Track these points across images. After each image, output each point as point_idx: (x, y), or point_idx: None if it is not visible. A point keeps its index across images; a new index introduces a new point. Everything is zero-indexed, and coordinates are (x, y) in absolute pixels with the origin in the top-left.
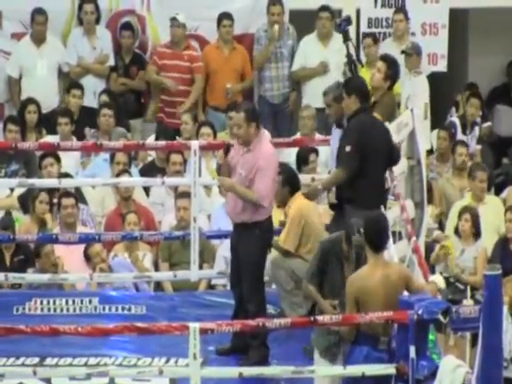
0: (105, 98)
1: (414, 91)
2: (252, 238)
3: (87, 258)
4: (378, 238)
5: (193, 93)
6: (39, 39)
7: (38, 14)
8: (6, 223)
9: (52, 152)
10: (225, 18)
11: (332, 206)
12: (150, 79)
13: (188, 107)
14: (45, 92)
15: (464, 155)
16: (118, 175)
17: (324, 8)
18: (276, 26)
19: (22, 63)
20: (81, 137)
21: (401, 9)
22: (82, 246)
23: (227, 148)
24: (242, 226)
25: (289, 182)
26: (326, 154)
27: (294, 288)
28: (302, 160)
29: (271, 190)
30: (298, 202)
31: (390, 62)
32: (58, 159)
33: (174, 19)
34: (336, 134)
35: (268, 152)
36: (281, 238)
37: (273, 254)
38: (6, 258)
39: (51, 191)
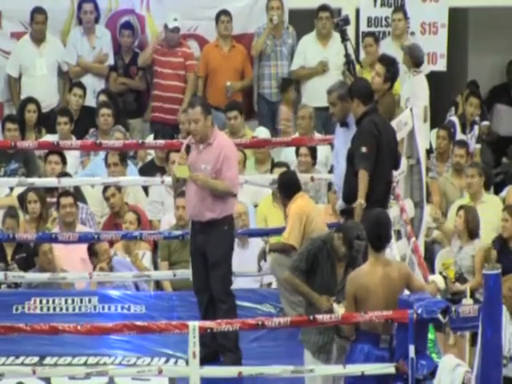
0: (103, 97)
1: (413, 90)
2: (222, 235)
3: (92, 253)
4: (379, 236)
5: (187, 92)
6: (39, 38)
7: (38, 13)
8: (13, 213)
9: (58, 151)
10: (223, 14)
11: (342, 212)
12: (146, 55)
13: (184, 108)
14: (44, 91)
15: (459, 156)
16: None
17: (323, 7)
18: (275, 12)
19: (21, 62)
20: (81, 136)
21: (400, 8)
22: (81, 246)
23: (188, 147)
24: (211, 224)
25: (280, 190)
26: (325, 154)
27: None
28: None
29: (238, 178)
30: (299, 201)
31: (389, 64)
32: (63, 159)
33: (176, 28)
34: (340, 133)
35: (229, 141)
36: (284, 235)
37: (274, 254)
38: (7, 254)
39: (50, 190)
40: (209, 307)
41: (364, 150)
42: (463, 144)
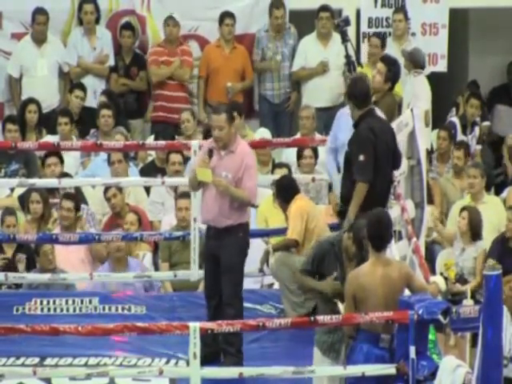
0: (103, 98)
1: (414, 91)
2: (237, 242)
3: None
4: (379, 236)
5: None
6: (40, 39)
7: (39, 13)
8: (11, 211)
9: (56, 151)
10: (227, 16)
11: (339, 213)
12: (159, 76)
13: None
14: (45, 92)
15: (457, 158)
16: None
17: (324, 8)
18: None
19: (22, 63)
20: (82, 137)
21: (401, 8)
22: (80, 247)
23: (211, 152)
24: (226, 230)
25: (279, 195)
26: None
27: (297, 288)
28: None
29: (257, 188)
30: (298, 202)
31: (390, 64)
32: (61, 160)
33: (171, 18)
34: (345, 119)
35: (250, 149)
36: (287, 233)
37: (277, 254)
38: (7, 255)
39: (51, 191)
40: (217, 311)
41: (362, 158)
42: (462, 145)
